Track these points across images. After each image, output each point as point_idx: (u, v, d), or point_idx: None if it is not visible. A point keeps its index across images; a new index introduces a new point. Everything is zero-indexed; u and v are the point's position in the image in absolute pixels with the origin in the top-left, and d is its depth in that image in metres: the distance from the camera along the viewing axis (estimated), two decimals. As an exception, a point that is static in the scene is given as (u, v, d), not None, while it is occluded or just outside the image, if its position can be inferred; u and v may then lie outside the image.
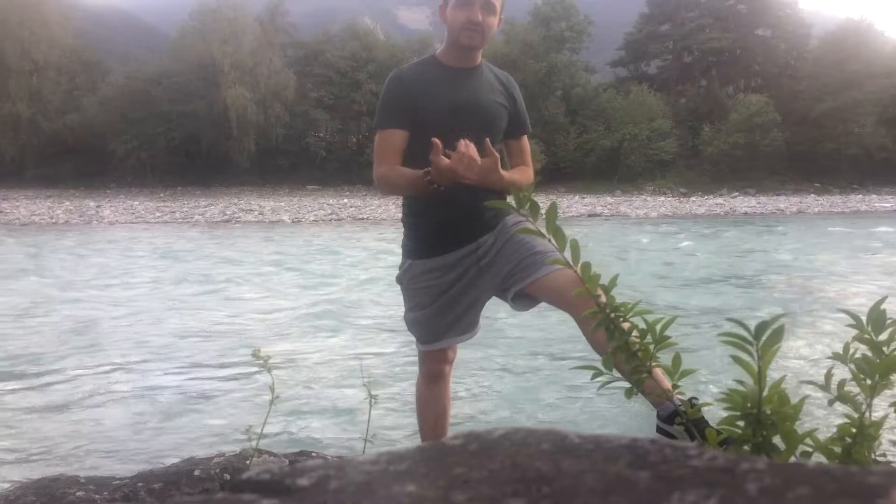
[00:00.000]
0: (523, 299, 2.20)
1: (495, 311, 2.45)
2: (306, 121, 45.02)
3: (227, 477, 2.26)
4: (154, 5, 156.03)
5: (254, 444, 2.21)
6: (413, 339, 2.43)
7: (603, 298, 1.11)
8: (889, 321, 0.94)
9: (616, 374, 1.10)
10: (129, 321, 8.16)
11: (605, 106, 45.08)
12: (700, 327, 7.55)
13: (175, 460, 2.60)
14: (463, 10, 2.17)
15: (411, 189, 2.17)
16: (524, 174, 2.32)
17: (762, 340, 0.81)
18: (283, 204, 32.11)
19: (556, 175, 39.55)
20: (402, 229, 2.39)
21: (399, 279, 2.38)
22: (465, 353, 5.27)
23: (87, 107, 43.45)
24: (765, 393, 0.84)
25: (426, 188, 2.06)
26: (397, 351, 6.47)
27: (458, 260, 2.25)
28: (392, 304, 8.73)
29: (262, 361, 2.00)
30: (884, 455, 0.94)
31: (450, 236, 2.24)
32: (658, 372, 1.13)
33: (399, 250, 2.40)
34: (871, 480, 0.41)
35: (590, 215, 28.26)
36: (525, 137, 2.42)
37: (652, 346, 1.05)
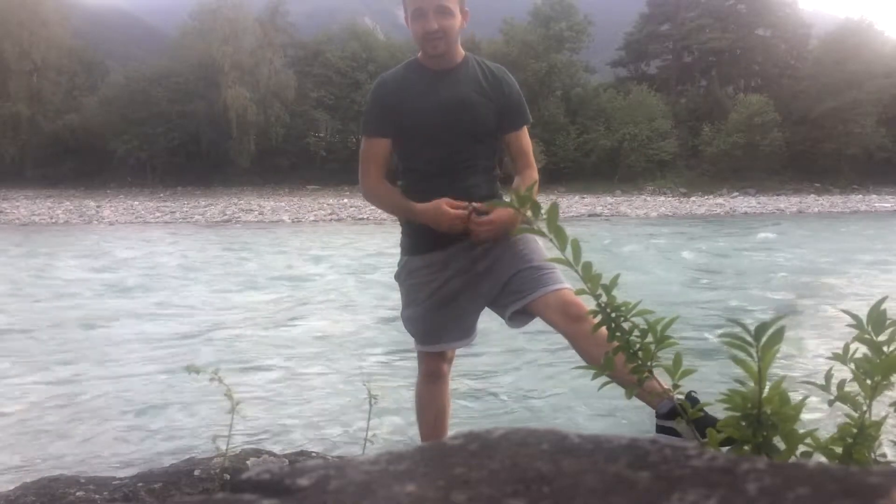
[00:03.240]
0: (520, 316, 2.23)
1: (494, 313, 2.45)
2: (306, 121, 45.00)
3: (227, 477, 2.26)
4: (154, 5, 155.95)
5: (224, 450, 2.19)
6: (412, 338, 2.44)
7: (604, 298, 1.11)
8: (889, 321, 0.94)
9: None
10: (127, 321, 8.16)
11: (605, 106, 45.05)
12: (700, 327, 7.55)
13: (175, 460, 2.60)
14: (418, 21, 2.19)
15: (398, 214, 2.32)
16: (526, 182, 2.31)
17: (762, 341, 0.81)
18: (283, 204, 32.12)
19: (556, 175, 39.54)
20: (400, 227, 2.43)
21: (397, 276, 2.42)
22: (465, 353, 5.26)
23: (87, 107, 43.42)
24: (765, 393, 0.84)
25: (410, 217, 2.24)
26: (398, 351, 6.47)
27: (452, 257, 2.26)
28: (393, 304, 8.73)
29: (211, 375, 1.91)
30: (884, 455, 0.94)
31: (441, 233, 2.25)
32: (654, 380, 1.13)
33: (398, 249, 2.43)
34: (871, 480, 0.41)
35: (590, 215, 28.26)
36: (524, 131, 2.38)
37: (652, 346, 1.05)
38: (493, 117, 2.30)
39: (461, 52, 2.32)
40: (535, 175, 2.35)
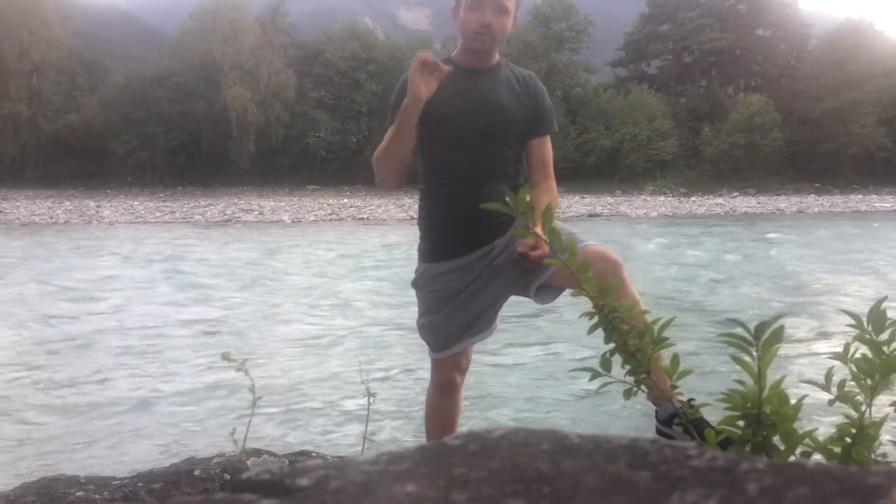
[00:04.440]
0: (546, 291, 2.19)
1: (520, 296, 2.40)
2: (306, 121, 45.00)
3: (227, 477, 2.26)
4: (154, 5, 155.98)
5: (240, 446, 2.21)
6: (426, 348, 2.37)
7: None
8: (889, 321, 0.93)
9: (615, 375, 1.10)
10: (126, 322, 8.16)
11: (605, 106, 45.05)
12: (701, 327, 7.55)
13: (175, 460, 2.60)
14: (474, 12, 2.14)
15: (397, 143, 2.18)
16: (549, 197, 2.26)
17: (762, 340, 0.81)
18: (283, 204, 32.12)
19: (555, 175, 39.42)
20: (419, 232, 2.36)
21: (414, 283, 2.35)
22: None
23: (87, 107, 43.41)
24: (765, 393, 0.84)
25: (404, 126, 2.13)
26: (398, 350, 6.47)
27: (471, 263, 2.22)
28: (393, 303, 8.72)
29: (238, 364, 1.96)
30: (884, 455, 0.94)
31: (462, 240, 2.22)
32: (659, 371, 1.13)
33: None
34: (871, 480, 0.41)
35: (590, 215, 28.26)
36: (548, 140, 2.34)
37: (650, 347, 1.05)
38: (524, 122, 2.26)
39: (496, 55, 2.28)
40: (554, 188, 2.30)
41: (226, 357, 1.95)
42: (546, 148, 2.34)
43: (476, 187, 2.17)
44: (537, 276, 2.14)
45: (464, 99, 2.20)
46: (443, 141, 2.22)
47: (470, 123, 2.19)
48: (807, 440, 0.86)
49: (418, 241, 2.35)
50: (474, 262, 2.22)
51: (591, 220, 26.25)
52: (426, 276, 2.29)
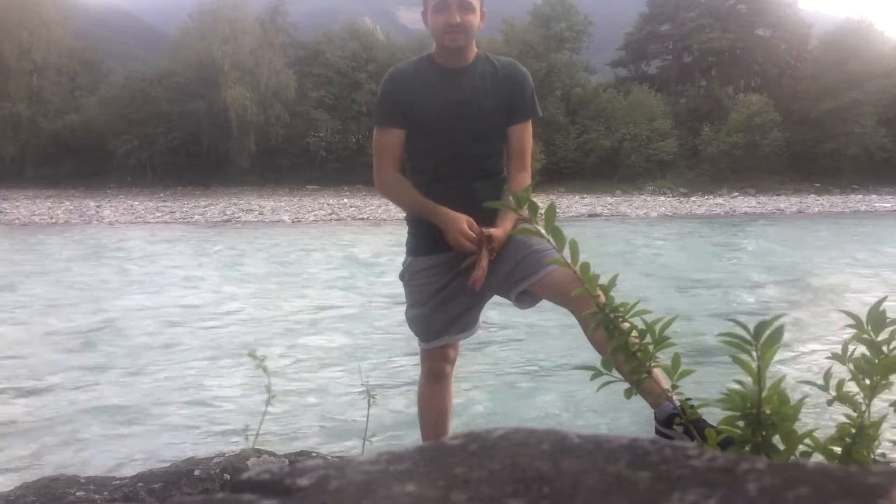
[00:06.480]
0: (526, 297, 2.23)
1: (496, 312, 2.46)
2: (306, 121, 44.93)
3: (227, 477, 2.26)
4: (154, 5, 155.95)
5: (251, 443, 2.22)
6: (415, 338, 2.44)
7: (602, 299, 1.11)
8: (888, 321, 0.94)
9: (615, 374, 1.10)
10: (126, 322, 8.16)
11: (605, 106, 45.00)
12: (699, 327, 7.54)
13: (175, 460, 2.60)
14: (441, 14, 2.18)
15: (414, 211, 2.28)
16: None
17: (762, 340, 0.81)
18: (283, 204, 32.10)
19: (556, 175, 39.51)
20: (406, 227, 2.41)
21: (401, 276, 2.41)
22: (466, 354, 5.26)
23: (87, 107, 43.34)
24: (764, 393, 0.84)
25: (428, 215, 2.20)
26: (397, 350, 6.47)
27: (455, 258, 2.26)
28: (392, 303, 8.72)
29: (258, 361, 2.00)
30: (884, 455, 0.94)
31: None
32: (657, 372, 1.13)
33: (404, 248, 2.43)
34: (871, 480, 0.41)
35: (590, 215, 28.24)
36: (527, 127, 2.33)
37: (651, 347, 1.05)
38: (503, 116, 2.28)
39: (475, 50, 2.30)
40: (528, 180, 2.31)
41: (251, 355, 1.99)
42: (526, 135, 2.34)
43: (459, 185, 2.22)
44: (519, 282, 2.18)
45: (445, 100, 2.23)
46: (424, 139, 2.26)
47: (452, 124, 2.22)
48: (807, 440, 0.86)
49: (406, 235, 2.40)
50: (457, 257, 2.26)
51: (591, 220, 26.24)
52: (412, 269, 2.36)
